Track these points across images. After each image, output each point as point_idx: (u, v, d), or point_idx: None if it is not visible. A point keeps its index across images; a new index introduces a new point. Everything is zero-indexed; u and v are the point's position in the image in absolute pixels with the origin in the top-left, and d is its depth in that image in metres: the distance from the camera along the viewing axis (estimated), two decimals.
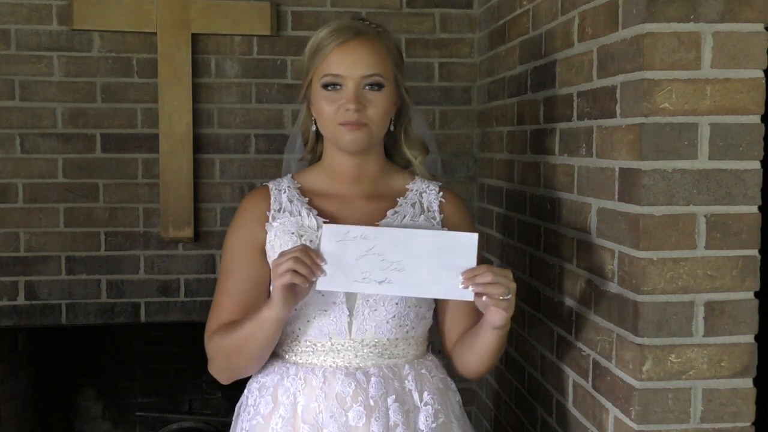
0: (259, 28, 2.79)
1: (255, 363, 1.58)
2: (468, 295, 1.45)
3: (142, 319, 2.82)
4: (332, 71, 1.55)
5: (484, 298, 1.44)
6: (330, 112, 1.56)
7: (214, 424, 3.50)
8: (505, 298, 1.44)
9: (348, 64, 1.54)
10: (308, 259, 1.41)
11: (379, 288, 1.45)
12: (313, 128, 1.66)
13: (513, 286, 1.45)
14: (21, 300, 2.75)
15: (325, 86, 1.56)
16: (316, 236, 1.55)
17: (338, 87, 1.55)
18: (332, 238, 1.45)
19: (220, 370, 1.61)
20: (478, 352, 1.57)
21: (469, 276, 1.43)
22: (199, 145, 2.80)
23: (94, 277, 2.79)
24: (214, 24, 2.77)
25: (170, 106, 2.75)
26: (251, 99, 2.84)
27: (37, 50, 2.73)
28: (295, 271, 1.40)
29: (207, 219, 2.83)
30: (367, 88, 1.55)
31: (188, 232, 2.78)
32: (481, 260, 1.71)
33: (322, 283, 1.45)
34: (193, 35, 2.76)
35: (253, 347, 1.52)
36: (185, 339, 3.59)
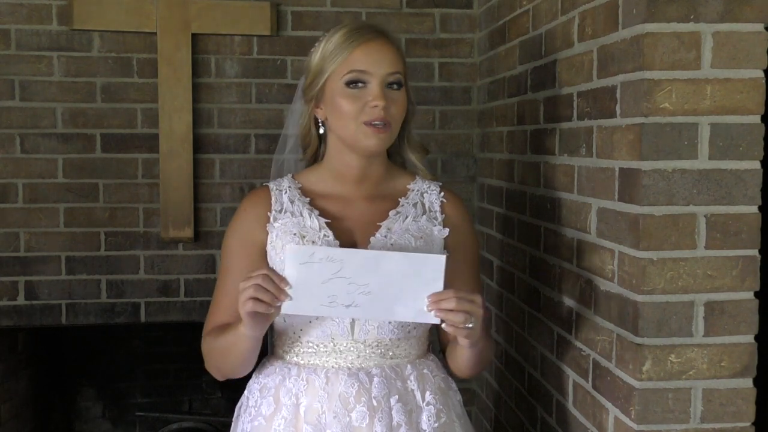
0: (259, 28, 2.79)
1: (240, 368, 1.58)
2: (434, 319, 1.41)
3: (142, 319, 2.82)
4: (358, 67, 1.53)
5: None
6: (353, 110, 1.53)
7: (214, 424, 3.50)
8: (466, 326, 1.41)
9: (373, 61, 1.53)
10: (271, 285, 1.38)
11: (347, 312, 1.41)
12: (321, 130, 1.64)
13: (478, 313, 1.42)
14: (21, 300, 2.75)
15: (349, 83, 1.54)
16: (318, 237, 1.55)
17: (361, 85, 1.53)
18: (297, 260, 1.40)
19: (213, 370, 1.62)
20: (460, 361, 1.59)
21: (435, 299, 1.40)
22: (199, 145, 2.80)
23: (94, 277, 2.79)
24: (214, 24, 2.77)
25: (170, 106, 2.75)
26: (251, 99, 2.84)
27: (37, 50, 2.73)
28: (258, 299, 1.37)
29: (207, 219, 2.83)
30: (388, 88, 1.54)
31: (188, 232, 2.78)
32: (480, 261, 1.71)
33: (287, 307, 1.41)
34: (193, 35, 2.76)
35: (235, 356, 1.53)
36: (185, 339, 3.59)
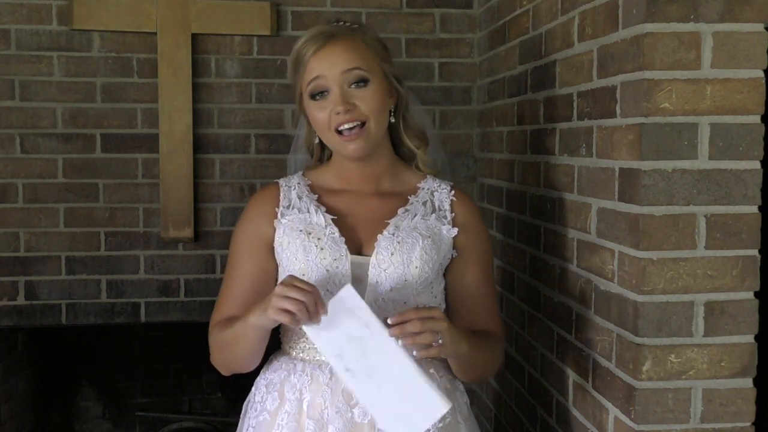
0: (259, 28, 2.79)
1: (246, 361, 1.58)
2: None
3: (142, 319, 2.82)
4: (313, 75, 1.55)
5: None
6: (323, 120, 1.56)
7: (214, 424, 3.50)
8: (436, 344, 1.41)
9: (326, 66, 1.55)
10: (312, 307, 1.39)
11: (344, 374, 1.42)
12: (317, 141, 1.67)
13: (442, 326, 1.41)
14: (21, 300, 2.75)
15: (313, 95, 1.57)
16: (324, 234, 1.56)
17: (325, 94, 1.55)
18: (345, 302, 1.41)
19: (218, 363, 1.63)
20: (456, 369, 1.60)
21: (398, 322, 1.38)
22: (199, 145, 2.80)
23: (94, 277, 2.79)
24: (214, 24, 2.77)
25: (170, 106, 2.75)
26: (251, 99, 2.84)
27: (37, 50, 2.73)
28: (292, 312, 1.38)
29: (207, 219, 2.83)
30: (353, 87, 1.55)
31: (188, 232, 2.78)
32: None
33: (307, 328, 1.42)
34: (193, 35, 2.76)
35: (242, 347, 1.54)
36: (185, 339, 3.58)
